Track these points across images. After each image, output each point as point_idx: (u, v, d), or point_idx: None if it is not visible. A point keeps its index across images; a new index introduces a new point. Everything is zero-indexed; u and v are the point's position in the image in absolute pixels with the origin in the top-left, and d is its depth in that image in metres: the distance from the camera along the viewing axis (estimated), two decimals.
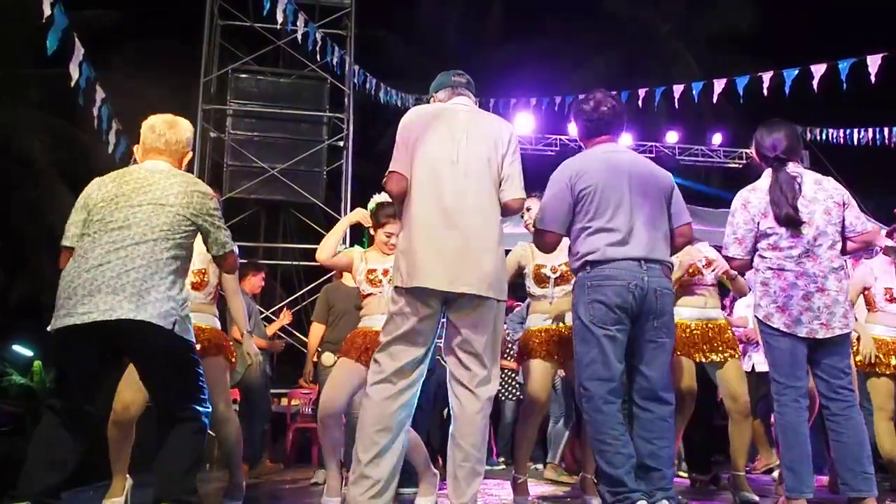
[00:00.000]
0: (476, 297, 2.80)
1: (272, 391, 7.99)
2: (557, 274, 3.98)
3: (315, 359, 5.76)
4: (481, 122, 2.99)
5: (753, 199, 3.42)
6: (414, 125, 2.96)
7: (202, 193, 2.98)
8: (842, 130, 12.45)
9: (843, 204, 3.40)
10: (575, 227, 3.21)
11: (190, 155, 3.19)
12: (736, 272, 4.14)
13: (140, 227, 2.80)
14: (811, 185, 3.38)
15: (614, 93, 3.43)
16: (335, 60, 9.27)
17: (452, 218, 2.81)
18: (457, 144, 2.89)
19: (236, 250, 3.20)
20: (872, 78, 7.71)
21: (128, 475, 3.65)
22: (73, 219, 2.93)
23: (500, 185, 2.92)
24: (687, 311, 4.17)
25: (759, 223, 3.38)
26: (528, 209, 4.10)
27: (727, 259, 3.56)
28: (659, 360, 3.12)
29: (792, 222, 3.30)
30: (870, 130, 12.22)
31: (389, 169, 2.95)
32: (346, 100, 9.76)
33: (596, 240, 3.11)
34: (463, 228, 2.81)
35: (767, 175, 3.45)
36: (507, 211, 2.95)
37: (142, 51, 13.72)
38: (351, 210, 9.70)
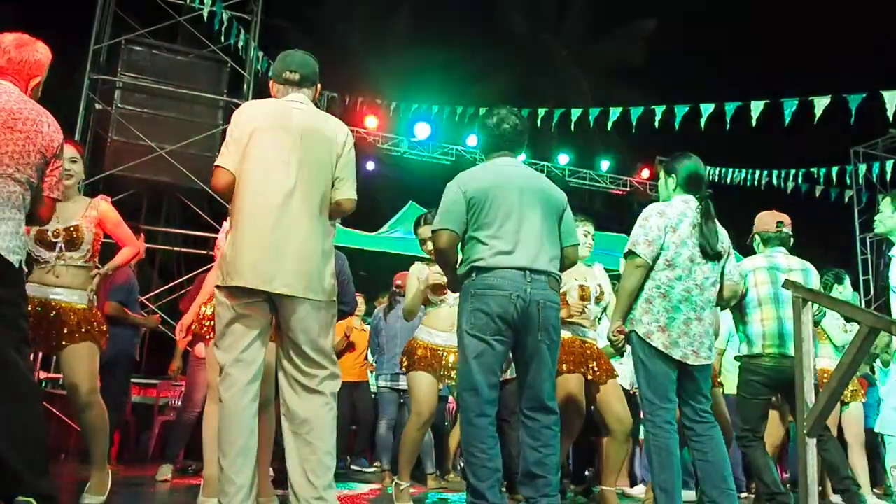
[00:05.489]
0: (297, 297, 2.77)
1: (139, 381, 7.63)
2: None
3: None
4: (316, 123, 2.94)
5: (669, 212, 3.51)
6: (247, 121, 2.89)
7: (53, 127, 2.77)
8: (718, 169, 13.19)
9: (727, 251, 3.61)
10: (465, 235, 3.23)
11: (38, 80, 2.92)
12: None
13: None
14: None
15: (517, 109, 3.47)
16: (240, 44, 8.98)
17: (278, 217, 2.77)
18: (290, 144, 2.85)
19: (55, 196, 2.89)
20: (753, 122, 8.21)
21: None
22: None
23: (332, 185, 2.91)
24: (567, 332, 4.25)
25: (666, 235, 3.48)
26: (426, 240, 4.12)
27: (632, 255, 3.49)
28: (543, 371, 3.17)
29: (715, 256, 3.47)
30: (742, 171, 13.03)
31: (216, 163, 2.90)
32: (245, 85, 9.47)
33: (482, 248, 3.15)
34: (287, 228, 2.78)
35: (683, 200, 3.55)
36: (339, 209, 2.93)
37: (29, 10, 12.85)
38: None
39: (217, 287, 2.83)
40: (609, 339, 3.59)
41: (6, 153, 2.61)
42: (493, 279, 3.10)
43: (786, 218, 4.32)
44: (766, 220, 4.32)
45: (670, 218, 3.48)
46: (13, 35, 2.88)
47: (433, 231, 3.31)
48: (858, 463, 4.93)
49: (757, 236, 4.37)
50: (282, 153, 2.82)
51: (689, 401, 3.46)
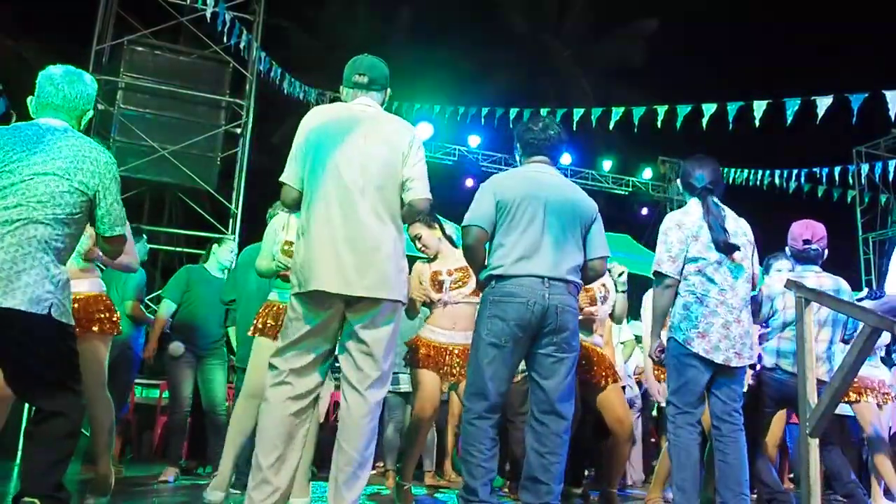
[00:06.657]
0: (373, 299, 2.79)
1: (141, 381, 7.63)
2: (453, 277, 4.03)
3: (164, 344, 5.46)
4: (382, 125, 2.95)
5: (687, 222, 3.52)
6: (313, 127, 2.91)
7: (99, 162, 2.67)
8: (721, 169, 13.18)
9: (752, 244, 3.61)
10: (492, 238, 3.27)
11: (90, 114, 2.90)
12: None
13: (15, 199, 2.49)
14: (731, 220, 3.57)
15: (557, 120, 3.58)
16: (242, 44, 8.99)
17: (348, 221, 2.78)
18: (355, 147, 2.85)
19: (127, 235, 2.92)
20: (757, 122, 8.20)
21: None
22: None
23: (402, 187, 2.90)
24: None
25: (689, 245, 3.49)
26: (418, 237, 4.14)
27: (660, 275, 3.53)
28: (558, 374, 3.18)
29: (729, 248, 3.44)
30: (745, 171, 13.02)
31: (281, 179, 2.89)
32: (247, 86, 9.47)
33: (503, 255, 3.19)
34: (359, 231, 2.78)
35: (696, 204, 3.57)
36: (412, 210, 2.93)
37: (30, 10, 12.86)
38: (243, 200, 9.50)
39: (293, 295, 2.84)
40: (651, 358, 3.67)
41: (34, 197, 2.52)
42: (512, 287, 3.14)
43: (815, 231, 4.01)
44: (795, 236, 4.03)
45: (689, 228, 3.50)
46: (64, 69, 2.81)
47: (462, 227, 3.33)
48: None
49: (787, 250, 4.12)
50: (346, 156, 2.83)
51: (720, 397, 3.48)
